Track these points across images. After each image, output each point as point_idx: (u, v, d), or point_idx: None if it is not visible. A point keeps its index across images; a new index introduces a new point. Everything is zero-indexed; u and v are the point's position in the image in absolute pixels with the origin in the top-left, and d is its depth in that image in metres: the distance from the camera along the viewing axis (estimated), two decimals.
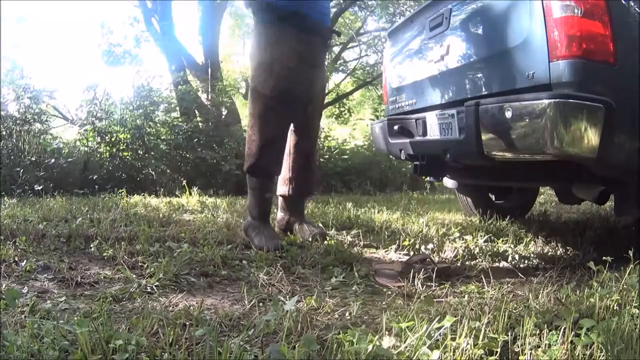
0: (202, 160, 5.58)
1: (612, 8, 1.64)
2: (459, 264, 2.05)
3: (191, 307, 1.37)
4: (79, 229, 2.39)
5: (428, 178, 4.37)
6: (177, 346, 1.07)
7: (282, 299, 1.42)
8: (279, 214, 2.65)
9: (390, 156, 3.74)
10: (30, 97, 5.52)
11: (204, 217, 3.11)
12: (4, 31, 10.64)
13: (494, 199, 3.46)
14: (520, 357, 1.07)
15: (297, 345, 1.05)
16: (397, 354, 1.00)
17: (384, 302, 1.49)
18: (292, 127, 2.47)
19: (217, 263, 1.91)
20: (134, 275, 1.69)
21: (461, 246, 2.28)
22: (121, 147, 5.50)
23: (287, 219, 2.58)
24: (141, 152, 5.58)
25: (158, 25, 7.32)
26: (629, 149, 1.70)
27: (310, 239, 2.31)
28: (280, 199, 2.62)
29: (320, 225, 2.66)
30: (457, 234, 2.54)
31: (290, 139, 2.49)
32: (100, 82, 6.40)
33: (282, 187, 2.57)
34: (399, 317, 1.23)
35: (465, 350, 1.04)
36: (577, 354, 1.04)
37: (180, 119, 6.11)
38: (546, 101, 1.58)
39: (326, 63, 3.25)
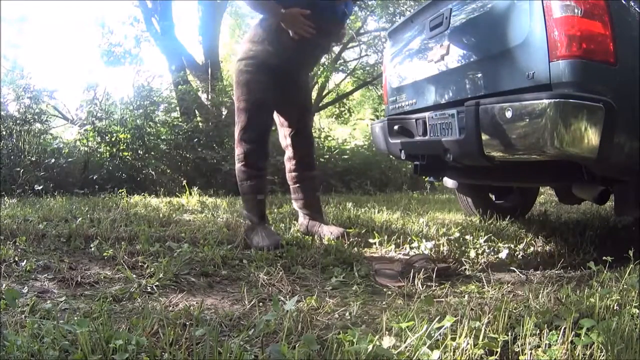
0: (202, 160, 5.58)
1: (612, 8, 1.64)
2: (459, 264, 2.05)
3: (191, 307, 1.37)
4: (79, 229, 2.39)
5: (428, 178, 4.37)
6: (177, 346, 1.07)
7: (282, 299, 1.42)
8: (299, 220, 2.70)
9: (390, 156, 3.74)
10: (30, 97, 5.52)
11: (204, 217, 3.11)
12: (4, 31, 10.65)
13: (494, 199, 3.46)
14: (520, 357, 1.07)
15: (297, 345, 1.05)
16: (397, 354, 1.00)
17: (384, 302, 1.49)
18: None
19: (217, 263, 1.91)
20: (134, 275, 1.69)
21: (461, 246, 2.28)
22: (121, 147, 5.50)
23: (307, 223, 2.62)
24: (141, 152, 5.59)
25: (158, 25, 7.33)
26: (629, 149, 1.70)
27: (333, 241, 2.32)
28: (296, 205, 2.70)
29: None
30: (457, 234, 2.54)
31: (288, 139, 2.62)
32: (100, 82, 6.41)
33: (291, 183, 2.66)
34: (399, 317, 1.23)
35: (465, 350, 1.04)
36: (577, 354, 1.04)
37: (180, 119, 6.12)
38: (546, 101, 1.58)
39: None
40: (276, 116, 2.60)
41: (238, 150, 2.42)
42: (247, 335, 1.15)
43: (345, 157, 6.92)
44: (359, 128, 9.18)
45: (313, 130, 2.82)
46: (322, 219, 2.66)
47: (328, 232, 2.45)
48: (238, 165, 2.42)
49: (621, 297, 1.36)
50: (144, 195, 4.52)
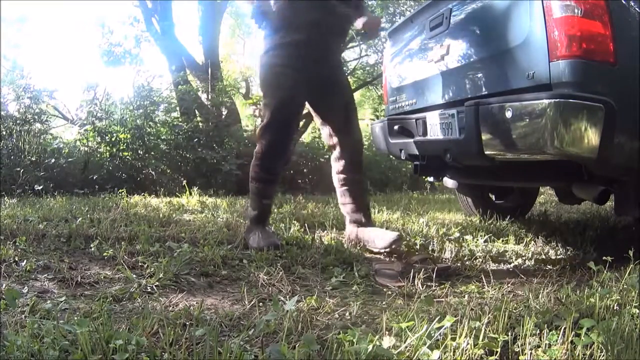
0: (202, 160, 5.58)
1: (612, 8, 1.64)
2: (459, 264, 2.05)
3: (191, 307, 1.37)
4: (79, 229, 2.39)
5: (428, 178, 4.37)
6: (177, 346, 1.07)
7: (282, 299, 1.42)
8: (347, 229, 2.45)
9: (390, 156, 3.74)
10: (30, 97, 5.52)
11: (204, 217, 3.11)
12: (4, 31, 10.65)
13: (494, 199, 3.47)
14: (520, 357, 1.07)
15: (297, 345, 1.05)
16: (397, 354, 1.00)
17: (384, 302, 1.49)
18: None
19: (217, 263, 1.91)
20: (134, 275, 1.69)
21: (461, 246, 2.28)
22: (121, 147, 5.50)
23: (356, 232, 2.38)
24: (141, 152, 5.58)
25: (158, 25, 7.32)
26: (629, 149, 1.70)
27: (388, 249, 2.18)
28: (344, 210, 2.45)
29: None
30: (457, 234, 2.54)
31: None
32: (100, 82, 6.41)
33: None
34: (399, 317, 1.23)
35: (465, 350, 1.04)
36: (577, 354, 1.04)
37: (180, 119, 6.11)
38: (546, 101, 1.58)
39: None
40: (316, 114, 2.45)
41: (257, 148, 2.31)
42: (247, 335, 1.15)
43: None
44: None
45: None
46: (372, 223, 2.42)
47: (382, 241, 2.22)
48: (253, 162, 2.32)
49: (621, 297, 1.36)
50: (144, 195, 4.52)
